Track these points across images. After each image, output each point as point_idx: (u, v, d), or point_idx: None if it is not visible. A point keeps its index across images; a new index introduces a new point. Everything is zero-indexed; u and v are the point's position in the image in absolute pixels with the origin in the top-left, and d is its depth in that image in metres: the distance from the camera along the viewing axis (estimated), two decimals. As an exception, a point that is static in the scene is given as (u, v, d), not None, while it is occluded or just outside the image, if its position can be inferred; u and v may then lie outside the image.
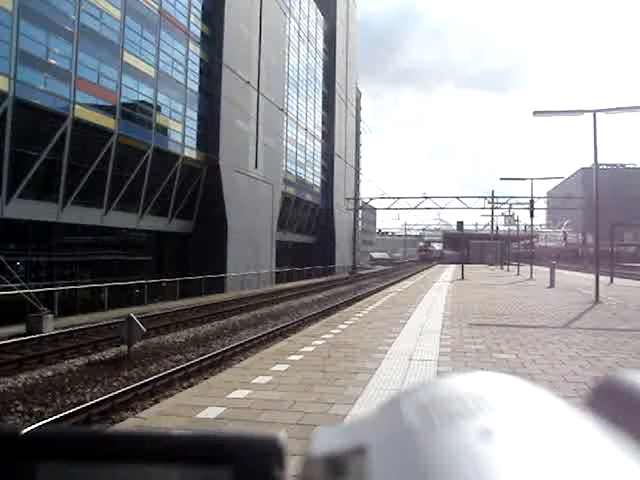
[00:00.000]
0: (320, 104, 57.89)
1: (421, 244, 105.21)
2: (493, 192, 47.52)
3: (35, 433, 0.36)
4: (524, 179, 33.35)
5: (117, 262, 25.52)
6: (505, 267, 45.09)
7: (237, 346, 12.86)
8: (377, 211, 78.93)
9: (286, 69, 45.98)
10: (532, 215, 33.04)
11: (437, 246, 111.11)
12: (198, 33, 31.17)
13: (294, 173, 49.27)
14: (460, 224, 34.47)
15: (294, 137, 49.20)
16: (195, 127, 30.95)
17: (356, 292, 29.12)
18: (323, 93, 58.73)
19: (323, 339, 8.60)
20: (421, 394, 0.31)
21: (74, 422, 7.34)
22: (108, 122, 23.11)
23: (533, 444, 0.24)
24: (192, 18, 30.28)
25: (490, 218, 51.45)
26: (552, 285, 22.30)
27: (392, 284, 27.58)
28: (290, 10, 45.01)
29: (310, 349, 7.74)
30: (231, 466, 0.34)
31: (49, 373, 10.44)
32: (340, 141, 61.94)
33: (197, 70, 31.14)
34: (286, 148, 46.48)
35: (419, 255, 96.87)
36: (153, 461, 0.34)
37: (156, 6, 26.32)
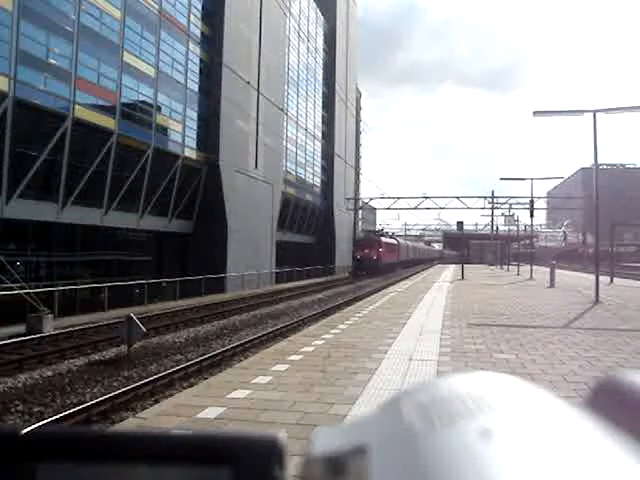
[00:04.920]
0: (320, 104, 57.89)
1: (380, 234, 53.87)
2: (493, 192, 47.54)
3: (35, 433, 0.36)
4: (524, 179, 33.37)
5: (117, 262, 25.51)
6: (505, 267, 45.10)
7: (237, 346, 12.85)
8: (377, 211, 78.79)
9: (286, 69, 45.98)
10: (532, 215, 33.08)
11: (436, 245, 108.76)
12: (198, 33, 31.17)
13: (294, 173, 49.26)
14: (460, 224, 34.49)
15: (294, 137, 49.20)
16: (195, 127, 30.95)
17: (356, 292, 29.10)
18: (323, 93, 58.73)
19: (323, 339, 8.60)
20: (421, 394, 0.31)
21: (74, 422, 7.34)
22: (108, 122, 23.11)
23: (533, 444, 0.24)
24: (192, 18, 30.28)
25: (490, 218, 51.45)
26: (552, 285, 22.30)
27: (392, 284, 27.57)
28: (290, 10, 45.01)
29: (310, 349, 7.73)
30: (231, 466, 0.34)
31: (49, 373, 10.42)
32: (340, 141, 61.93)
33: (197, 70, 31.14)
34: (286, 148, 46.48)
35: (355, 257, 47.37)
36: (153, 461, 0.34)
37: (156, 6, 26.32)
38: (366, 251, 45.68)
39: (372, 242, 47.63)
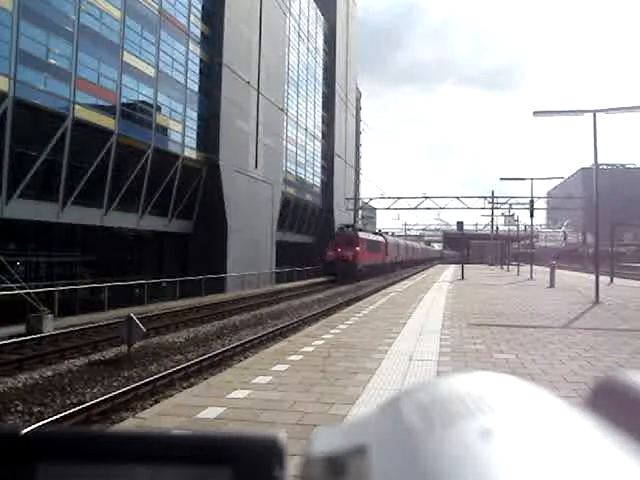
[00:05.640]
0: (320, 104, 57.90)
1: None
2: (493, 192, 47.59)
3: (35, 433, 0.36)
4: (524, 179, 33.39)
5: (117, 262, 25.51)
6: (505, 267, 45.11)
7: (237, 346, 12.84)
8: (377, 211, 78.65)
9: (286, 69, 45.99)
10: (532, 215, 33.10)
11: (436, 245, 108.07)
12: (198, 33, 31.18)
13: (294, 173, 49.27)
14: (460, 224, 34.50)
15: (294, 137, 49.21)
16: (195, 127, 30.96)
17: (356, 292, 29.09)
18: (323, 93, 58.74)
19: (323, 339, 8.60)
20: (421, 394, 0.31)
21: (74, 422, 7.34)
22: (108, 122, 23.11)
23: (533, 444, 0.24)
24: (192, 18, 30.29)
25: (490, 218, 51.46)
26: (552, 285, 22.30)
27: (392, 284, 27.57)
28: (290, 10, 45.01)
29: (310, 349, 7.73)
30: (231, 466, 0.34)
31: (49, 373, 10.41)
32: (340, 141, 61.94)
33: (197, 70, 31.14)
34: (286, 148, 46.49)
35: (323, 257, 39.47)
36: (153, 461, 0.34)
37: (156, 6, 26.33)
38: (338, 250, 36.44)
39: (346, 238, 37.42)
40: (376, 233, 48.54)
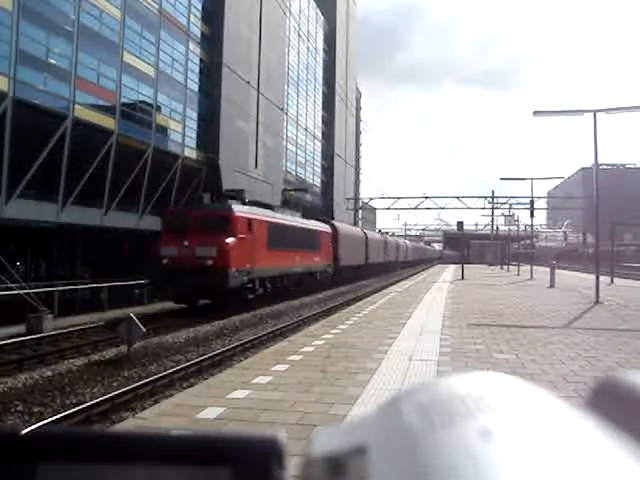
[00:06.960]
0: (320, 104, 57.93)
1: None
2: (493, 192, 47.51)
3: (35, 433, 0.36)
4: (524, 179, 33.42)
5: (117, 262, 25.47)
6: (505, 267, 45.12)
7: (237, 346, 12.82)
8: (377, 211, 78.60)
9: (286, 69, 46.03)
10: (532, 215, 33.16)
11: (437, 245, 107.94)
12: (198, 33, 31.19)
13: (294, 173, 49.28)
14: (460, 224, 34.50)
15: (294, 137, 49.22)
16: (195, 127, 30.97)
17: (356, 292, 29.10)
18: (323, 93, 58.76)
19: (323, 339, 8.60)
20: (421, 394, 0.31)
21: (74, 422, 7.34)
22: (108, 122, 23.11)
23: (533, 444, 0.24)
24: (192, 18, 30.30)
25: (490, 218, 51.45)
26: (552, 285, 22.31)
27: (392, 284, 27.58)
28: (290, 10, 45.02)
29: (310, 349, 7.73)
30: (231, 466, 0.33)
31: (49, 373, 10.40)
32: (340, 141, 61.94)
33: (197, 70, 31.16)
34: (286, 148, 46.51)
35: (161, 258, 17.69)
36: (153, 461, 0.34)
37: (156, 6, 26.33)
38: (185, 243, 17.80)
39: (205, 219, 17.88)
40: (319, 219, 30.17)
